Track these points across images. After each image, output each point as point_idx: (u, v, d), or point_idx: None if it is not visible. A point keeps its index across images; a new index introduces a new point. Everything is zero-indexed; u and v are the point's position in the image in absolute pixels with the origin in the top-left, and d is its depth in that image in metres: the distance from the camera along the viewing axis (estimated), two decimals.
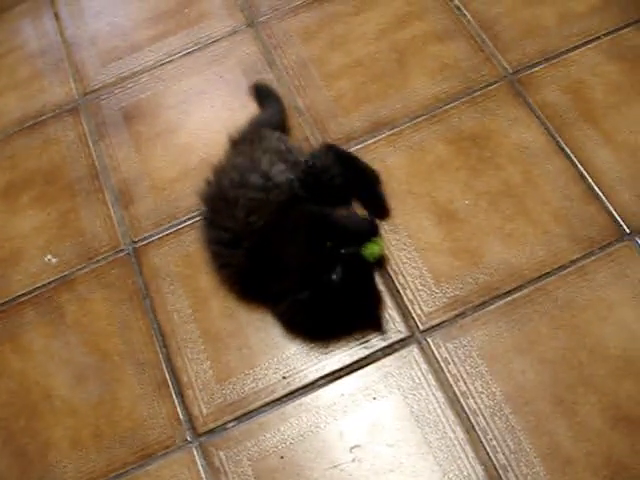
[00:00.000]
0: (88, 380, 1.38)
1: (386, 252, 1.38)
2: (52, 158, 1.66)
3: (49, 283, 1.50)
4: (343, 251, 1.27)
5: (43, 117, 1.74)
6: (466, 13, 1.67)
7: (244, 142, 1.44)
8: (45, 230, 1.57)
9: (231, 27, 1.78)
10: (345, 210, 1.40)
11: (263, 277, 1.30)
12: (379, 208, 1.42)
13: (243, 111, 1.61)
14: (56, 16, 1.92)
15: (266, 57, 1.70)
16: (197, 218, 1.48)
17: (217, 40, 1.76)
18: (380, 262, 1.36)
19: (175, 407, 1.32)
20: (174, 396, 1.33)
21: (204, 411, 1.31)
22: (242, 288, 1.38)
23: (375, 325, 1.32)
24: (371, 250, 1.30)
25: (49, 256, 1.53)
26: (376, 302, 1.34)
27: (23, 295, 1.49)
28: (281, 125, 1.55)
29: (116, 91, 1.74)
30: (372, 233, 1.34)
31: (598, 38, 1.58)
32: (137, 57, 1.78)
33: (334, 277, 1.24)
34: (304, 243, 1.29)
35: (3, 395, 1.39)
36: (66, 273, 1.50)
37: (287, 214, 1.31)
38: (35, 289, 1.50)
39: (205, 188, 1.42)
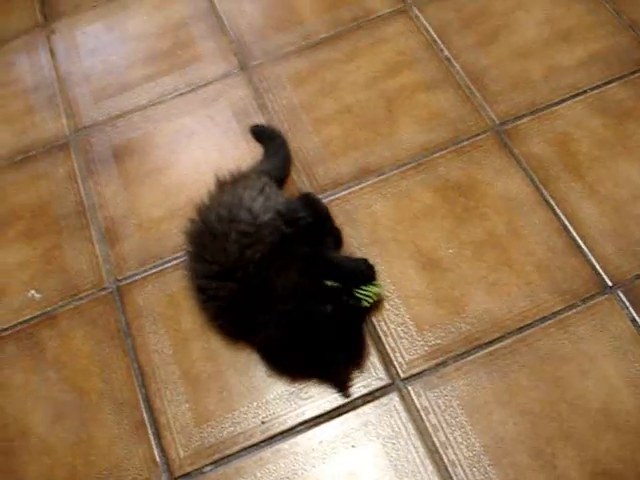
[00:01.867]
0: (66, 418, 1.36)
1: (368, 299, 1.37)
2: (40, 193, 1.67)
3: (31, 318, 1.49)
4: (345, 298, 1.28)
5: (33, 152, 1.74)
6: (455, 64, 1.70)
7: (229, 182, 1.46)
8: (30, 265, 1.56)
9: (224, 70, 1.80)
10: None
11: (251, 309, 1.30)
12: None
13: (233, 153, 1.63)
14: (51, 52, 1.94)
15: (257, 100, 1.72)
16: (182, 259, 1.49)
17: (209, 82, 1.78)
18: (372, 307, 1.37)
19: (152, 449, 1.31)
20: (151, 437, 1.32)
21: (181, 454, 1.30)
22: (228, 322, 1.38)
23: (342, 380, 1.32)
24: (369, 293, 1.31)
25: (33, 291, 1.52)
26: (358, 353, 1.34)
27: (4, 330, 1.48)
28: (282, 176, 1.57)
29: (107, 129, 1.75)
30: (370, 276, 1.35)
31: (584, 92, 1.61)
32: (129, 96, 1.79)
33: (324, 309, 1.25)
34: (299, 279, 1.29)
35: None
36: (49, 309, 1.49)
37: (283, 250, 1.32)
38: (17, 324, 1.49)
39: (190, 226, 1.42)
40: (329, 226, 1.46)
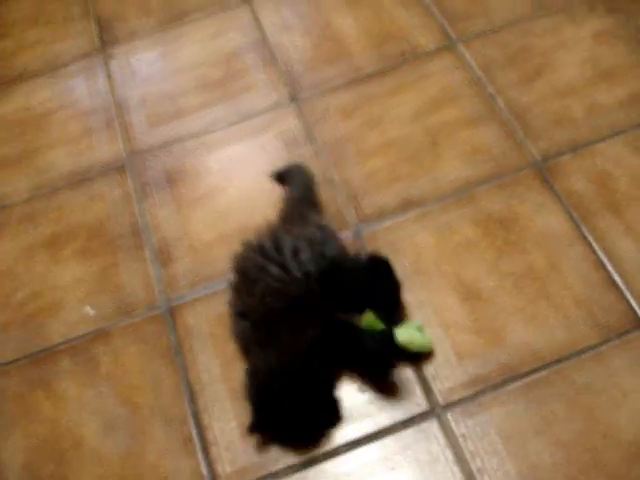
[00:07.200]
0: (117, 431, 1.42)
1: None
2: (97, 213, 1.74)
3: (86, 334, 1.55)
4: None
5: (90, 173, 1.82)
6: (499, 100, 1.75)
7: (288, 220, 1.52)
8: (86, 282, 1.63)
9: (274, 100, 1.87)
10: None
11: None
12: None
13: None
14: (109, 77, 2.02)
15: (306, 131, 1.79)
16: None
17: (261, 112, 1.85)
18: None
19: (199, 464, 1.36)
20: (199, 453, 1.37)
21: (227, 469, 1.35)
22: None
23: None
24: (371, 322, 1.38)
25: (88, 308, 1.59)
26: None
27: (60, 344, 1.55)
28: (313, 200, 1.61)
29: (162, 153, 1.82)
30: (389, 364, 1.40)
31: (624, 132, 1.65)
32: (183, 122, 1.87)
33: None
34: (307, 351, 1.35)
35: (34, 440, 1.44)
36: (103, 326, 1.56)
37: (307, 304, 1.35)
38: (72, 339, 1.55)
39: (235, 260, 1.48)
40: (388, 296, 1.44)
